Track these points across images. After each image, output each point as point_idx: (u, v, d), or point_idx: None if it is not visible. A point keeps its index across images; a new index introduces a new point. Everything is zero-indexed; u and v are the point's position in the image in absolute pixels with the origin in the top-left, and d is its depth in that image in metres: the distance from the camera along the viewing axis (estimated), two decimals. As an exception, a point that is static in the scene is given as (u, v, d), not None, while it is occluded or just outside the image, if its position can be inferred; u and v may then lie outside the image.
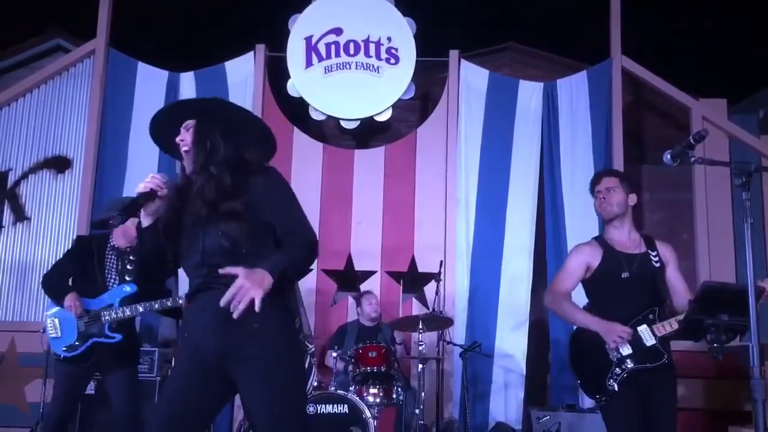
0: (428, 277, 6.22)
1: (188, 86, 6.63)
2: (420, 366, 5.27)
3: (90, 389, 5.34)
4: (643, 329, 3.27)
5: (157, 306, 4.22)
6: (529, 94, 6.58)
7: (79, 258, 4.35)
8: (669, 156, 2.73)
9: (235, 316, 2.31)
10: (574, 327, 3.51)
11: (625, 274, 3.33)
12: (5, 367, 6.05)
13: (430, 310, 5.77)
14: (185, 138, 2.62)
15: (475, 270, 6.30)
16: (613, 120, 6.42)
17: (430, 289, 6.20)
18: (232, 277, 2.34)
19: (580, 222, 6.10)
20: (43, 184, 6.44)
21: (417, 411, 5.16)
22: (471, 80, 6.61)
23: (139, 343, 4.62)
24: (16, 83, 6.75)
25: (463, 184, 6.44)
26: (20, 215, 6.34)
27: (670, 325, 3.26)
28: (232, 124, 2.66)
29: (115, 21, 6.65)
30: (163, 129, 2.70)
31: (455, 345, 5.74)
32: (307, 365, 3.71)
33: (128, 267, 4.20)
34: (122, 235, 4.26)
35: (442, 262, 5.90)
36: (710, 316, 2.97)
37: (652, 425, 3.24)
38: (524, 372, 6.08)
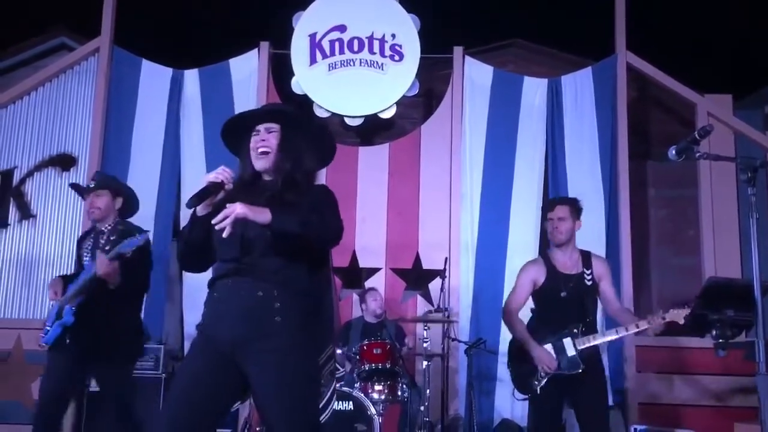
0: (433, 273, 6.21)
1: (192, 84, 6.63)
2: (425, 363, 5.28)
3: (94, 386, 5.39)
4: (567, 341, 3.80)
5: (112, 254, 3.76)
6: (534, 90, 6.56)
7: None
8: (674, 151, 2.74)
9: (217, 227, 2.37)
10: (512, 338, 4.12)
11: (563, 294, 3.85)
12: (11, 364, 6.07)
13: (435, 306, 5.77)
14: (268, 140, 2.68)
15: (479, 266, 6.29)
16: (618, 116, 6.40)
17: (434, 285, 6.19)
18: (262, 271, 2.43)
19: (583, 218, 6.02)
20: (48, 182, 6.45)
21: (422, 408, 5.17)
22: (475, 77, 6.60)
23: (134, 338, 4.08)
24: (21, 82, 6.76)
25: (467, 181, 6.44)
26: (26, 213, 6.36)
27: (588, 341, 3.79)
28: (314, 136, 2.78)
29: (119, 19, 6.65)
30: (231, 128, 2.88)
31: (460, 342, 5.75)
32: (330, 391, 3.52)
33: (105, 247, 3.87)
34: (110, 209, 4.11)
35: (447, 259, 5.89)
36: (715, 311, 3.00)
37: (580, 415, 3.81)
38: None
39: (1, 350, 6.00)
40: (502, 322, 6.02)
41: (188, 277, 6.37)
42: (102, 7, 6.63)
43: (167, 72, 6.64)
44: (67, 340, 3.84)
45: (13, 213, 6.35)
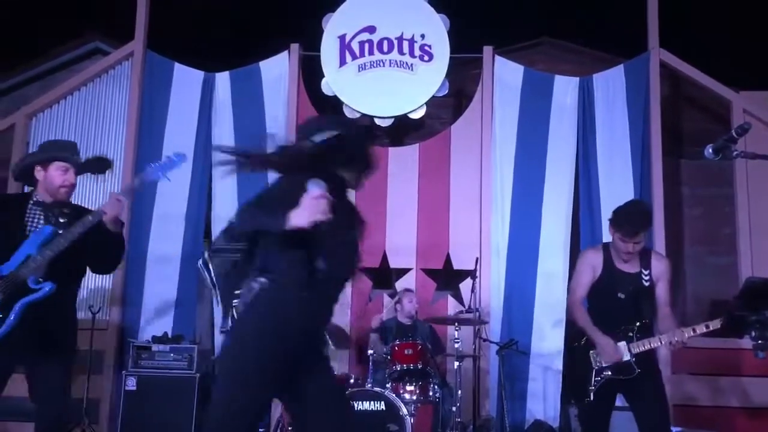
0: (464, 274, 6.20)
1: (223, 86, 6.70)
2: (456, 363, 5.26)
3: (131, 385, 5.49)
4: (621, 345, 3.72)
5: (79, 229, 3.37)
6: (565, 89, 6.51)
7: None
8: (711, 150, 2.69)
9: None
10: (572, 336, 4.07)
11: (621, 295, 3.76)
12: (49, 363, 6.18)
13: (466, 307, 5.76)
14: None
15: (510, 267, 6.26)
16: (651, 114, 6.32)
17: (465, 286, 6.18)
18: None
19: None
20: (85, 185, 6.56)
21: (454, 408, 5.16)
22: (505, 76, 6.57)
23: (71, 328, 3.64)
24: (57, 86, 6.89)
25: (498, 181, 6.41)
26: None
27: (644, 345, 3.70)
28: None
29: (152, 23, 6.75)
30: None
31: (492, 342, 5.73)
32: None
33: (60, 220, 3.46)
34: (46, 189, 3.55)
35: (477, 259, 5.87)
36: (754, 312, 2.94)
37: (639, 410, 3.73)
38: (561, 370, 6.03)
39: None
40: (533, 324, 6.12)
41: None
42: (135, 11, 6.73)
43: (199, 75, 6.72)
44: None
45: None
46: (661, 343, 3.70)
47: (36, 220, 3.49)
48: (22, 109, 6.79)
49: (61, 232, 3.38)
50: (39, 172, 3.55)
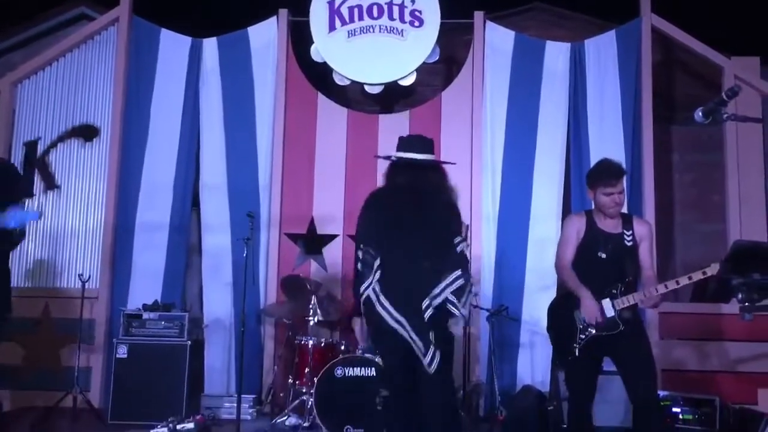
0: (454, 241, 6.19)
1: (211, 52, 6.61)
2: (447, 329, 5.29)
3: (122, 353, 5.50)
4: (606, 302, 3.78)
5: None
6: (556, 55, 6.46)
7: None
8: (701, 113, 2.68)
9: None
10: (552, 300, 4.19)
11: (601, 254, 3.82)
12: (40, 332, 6.20)
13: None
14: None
15: (501, 234, 6.27)
16: (643, 80, 6.30)
17: (456, 253, 6.18)
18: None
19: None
20: (72, 153, 6.51)
21: (444, 374, 5.18)
22: (496, 42, 6.51)
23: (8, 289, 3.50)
24: (42, 53, 6.78)
25: (488, 148, 6.39)
26: (51, 183, 6.42)
27: (627, 300, 3.75)
28: None
29: (138, -12, 6.64)
30: None
31: (482, 309, 5.76)
32: None
33: None
34: None
35: (468, 226, 5.87)
36: (741, 275, 2.94)
37: (626, 371, 3.77)
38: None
39: (30, 318, 6.11)
40: (524, 291, 6.15)
41: (208, 246, 6.43)
42: (121, -24, 6.61)
43: (186, 41, 6.63)
44: None
45: (38, 184, 6.42)
46: (645, 296, 3.75)
47: None
48: (7, 76, 6.70)
49: None
50: None
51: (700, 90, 6.83)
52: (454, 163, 4.21)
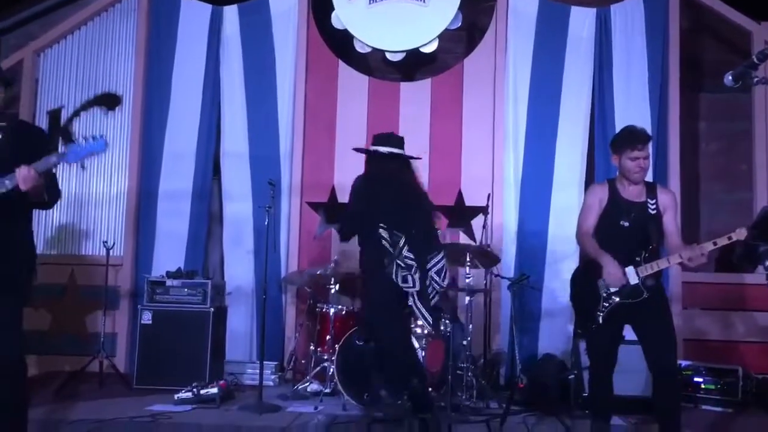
0: (475, 210, 6.18)
1: (231, 20, 6.58)
2: (467, 298, 5.30)
3: (147, 319, 5.58)
4: (629, 270, 3.73)
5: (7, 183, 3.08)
6: (582, 20, 6.34)
7: None
8: (730, 77, 2.63)
9: None
10: (575, 270, 4.11)
11: (624, 222, 3.79)
12: (66, 298, 6.31)
13: (477, 243, 5.75)
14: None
15: (523, 202, 6.24)
16: (670, 46, 6.19)
17: (477, 222, 6.17)
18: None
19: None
20: (95, 121, 6.54)
21: (464, 342, 5.22)
22: (520, 7, 6.40)
23: (23, 259, 3.33)
24: (63, 21, 6.78)
25: (511, 116, 6.32)
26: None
27: (651, 267, 3.71)
28: None
29: (159, -46, 6.59)
30: None
31: (503, 278, 5.74)
32: None
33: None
34: None
35: (490, 195, 5.84)
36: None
37: (647, 340, 3.77)
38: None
39: (57, 284, 6.21)
40: (546, 259, 6.13)
41: (229, 214, 6.47)
42: (141, -58, 6.57)
43: (206, 8, 6.59)
44: None
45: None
46: (669, 263, 3.72)
47: None
48: (29, 45, 6.72)
49: None
50: None
51: (729, 56, 6.66)
52: (420, 158, 4.92)
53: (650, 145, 3.87)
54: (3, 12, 7.49)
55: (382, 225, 4.19)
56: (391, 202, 4.26)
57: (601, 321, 3.78)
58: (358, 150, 4.66)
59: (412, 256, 4.17)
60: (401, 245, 4.16)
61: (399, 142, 4.50)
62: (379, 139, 4.49)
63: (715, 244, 3.57)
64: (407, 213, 4.27)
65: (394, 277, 4.15)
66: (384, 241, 4.17)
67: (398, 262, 4.15)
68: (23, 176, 3.02)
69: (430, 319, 4.28)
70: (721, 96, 6.43)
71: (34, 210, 3.46)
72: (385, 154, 4.38)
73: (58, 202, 3.54)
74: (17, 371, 3.19)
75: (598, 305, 3.80)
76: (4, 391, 3.16)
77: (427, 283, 4.22)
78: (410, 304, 4.22)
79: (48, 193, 3.21)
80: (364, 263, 4.38)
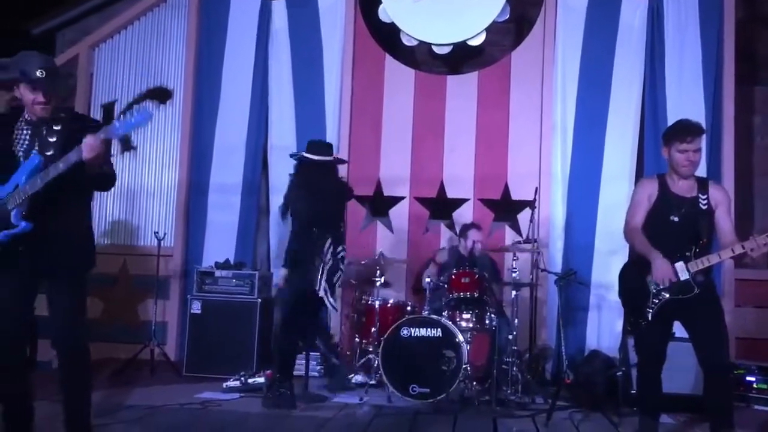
0: (522, 204, 6.14)
1: (280, 13, 6.64)
2: (513, 293, 5.27)
3: (196, 309, 5.69)
4: (679, 265, 3.67)
5: (61, 166, 3.11)
6: (633, 10, 6.22)
7: None
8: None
9: None
10: (623, 265, 4.04)
11: (674, 217, 3.73)
12: (119, 287, 6.47)
13: (524, 237, 5.71)
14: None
15: (571, 197, 6.17)
16: (725, 37, 6.04)
17: (523, 216, 6.12)
18: None
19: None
20: (147, 114, 6.67)
21: (510, 337, 5.19)
22: (570, -1, 6.32)
23: (92, 242, 3.44)
24: (117, 16, 6.94)
25: (559, 109, 6.25)
26: (127, 145, 6.63)
27: (702, 263, 3.64)
28: None
29: (209, -50, 6.69)
30: None
31: (550, 273, 5.69)
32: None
33: (49, 140, 3.23)
34: (27, 108, 3.28)
35: (537, 189, 5.79)
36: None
37: (698, 336, 3.71)
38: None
39: (109, 274, 6.38)
40: (594, 254, 6.05)
41: (275, 207, 6.54)
42: (192, -62, 6.67)
43: (255, 2, 6.66)
44: (20, 250, 3.17)
45: (115, 145, 6.63)
46: (720, 258, 3.64)
47: (23, 140, 3.27)
48: (84, 40, 6.90)
49: (48, 158, 3.17)
50: (16, 91, 3.30)
51: (786, 48, 6.49)
52: (345, 161, 5.59)
53: (702, 139, 3.78)
54: (58, 8, 7.72)
55: (313, 226, 4.76)
56: (319, 205, 4.75)
57: (650, 318, 3.73)
58: (292, 155, 5.11)
59: (339, 249, 4.84)
60: (327, 244, 4.76)
61: (328, 148, 5.02)
62: (310, 146, 4.96)
63: None
64: (333, 213, 4.92)
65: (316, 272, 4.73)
66: (312, 241, 4.74)
67: (321, 257, 4.73)
68: (89, 144, 3.05)
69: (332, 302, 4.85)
70: (778, 89, 6.27)
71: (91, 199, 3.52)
72: (315, 161, 4.85)
73: (112, 191, 3.58)
74: (84, 354, 3.29)
75: (647, 302, 3.75)
76: (73, 373, 3.27)
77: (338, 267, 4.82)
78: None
79: (105, 171, 3.26)
80: (291, 253, 4.86)
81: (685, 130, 3.74)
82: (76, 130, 3.21)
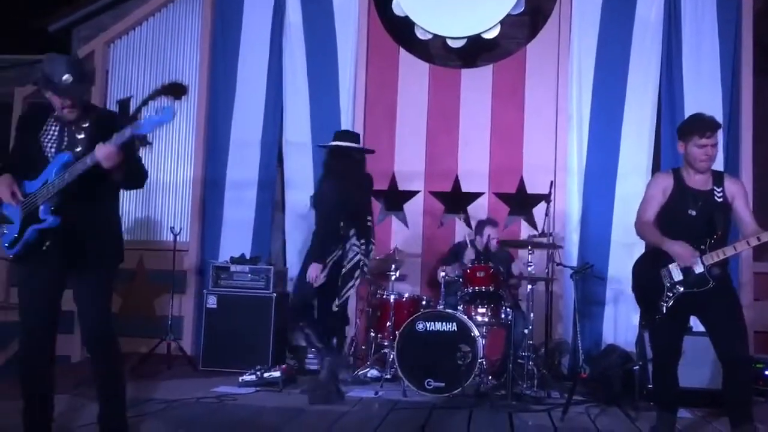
0: (537, 198, 6.10)
1: (294, 8, 6.64)
2: (529, 287, 5.25)
3: (212, 303, 5.72)
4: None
5: (89, 161, 3.10)
6: (649, 3, 6.16)
7: (20, 137, 3.39)
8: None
9: None
10: (636, 259, 3.99)
11: (691, 212, 3.69)
12: (136, 282, 6.52)
13: (539, 231, 5.68)
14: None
15: (587, 191, 6.13)
16: (743, 29, 5.98)
17: (538, 210, 6.09)
18: None
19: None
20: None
21: (526, 331, 5.17)
22: (585, -10, 6.26)
23: (120, 237, 3.46)
24: (132, 12, 6.97)
25: (575, 102, 6.21)
26: (143, 141, 6.64)
27: (717, 255, 3.60)
28: None
29: (223, -53, 6.70)
30: None
31: (565, 267, 5.66)
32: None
33: (77, 137, 3.24)
34: (62, 104, 3.23)
35: (552, 182, 5.74)
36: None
37: (715, 330, 3.66)
38: (638, 294, 5.93)
39: (127, 269, 6.40)
40: (611, 248, 6.01)
41: (291, 202, 6.56)
42: (206, -66, 6.68)
43: (270, -1, 6.67)
44: (46, 246, 3.17)
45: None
46: (735, 250, 3.59)
47: (52, 137, 3.27)
48: (100, 36, 6.95)
49: (77, 154, 3.16)
50: (44, 92, 3.27)
51: (805, 38, 6.39)
52: (373, 151, 5.22)
53: (719, 134, 3.76)
54: (73, 5, 7.77)
55: (341, 218, 4.72)
56: (349, 196, 4.72)
57: (665, 311, 3.69)
58: (320, 146, 5.16)
59: (358, 243, 4.75)
60: (351, 235, 4.74)
61: (356, 138, 4.99)
62: (338, 135, 4.96)
63: None
64: (358, 204, 4.83)
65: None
66: (340, 233, 4.72)
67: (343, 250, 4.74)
68: (103, 154, 3.05)
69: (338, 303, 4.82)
70: (797, 80, 6.18)
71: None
72: (343, 149, 4.83)
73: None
74: (115, 347, 3.30)
75: (661, 296, 3.71)
76: (105, 367, 3.28)
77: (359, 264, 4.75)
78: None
79: (129, 168, 3.26)
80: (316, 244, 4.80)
81: (703, 124, 3.70)
82: (105, 128, 3.22)
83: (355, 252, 4.77)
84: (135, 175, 3.37)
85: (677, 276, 3.67)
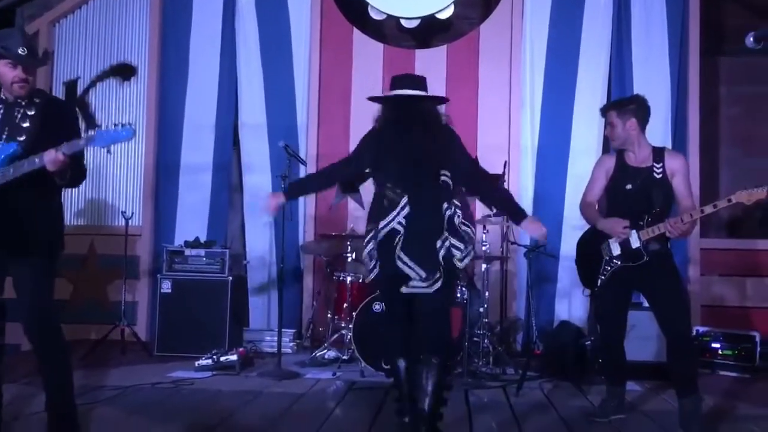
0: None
1: (246, -13, 6.53)
2: (484, 266, 5.31)
3: (166, 288, 5.65)
4: (632, 234, 3.77)
5: (37, 162, 3.05)
6: (600, -16, 6.23)
7: None
8: (752, 38, 2.61)
9: None
10: (581, 235, 4.15)
11: (628, 186, 3.82)
12: (87, 268, 6.40)
13: (494, 211, 5.73)
14: None
15: (540, 170, 6.21)
16: (690, 9, 6.09)
17: (493, 190, 6.14)
18: None
19: (650, 121, 5.87)
20: (110, 92, 6.55)
21: (481, 309, 5.24)
22: (537, -29, 6.30)
23: (61, 226, 3.38)
24: (79, -10, 6.78)
25: (527, 82, 6.26)
26: (91, 123, 6.48)
27: (652, 231, 3.70)
28: None
29: None
30: None
31: (519, 245, 5.74)
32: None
33: (22, 125, 3.17)
34: (3, 86, 3.20)
35: (506, 162, 5.81)
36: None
37: (658, 306, 3.79)
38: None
39: (77, 255, 6.29)
40: (563, 227, 6.11)
41: (248, 184, 6.50)
42: None
43: (221, -22, 6.54)
44: None
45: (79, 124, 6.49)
46: (669, 227, 3.65)
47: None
48: (44, 15, 6.72)
49: (20, 143, 3.11)
50: None
51: (751, 19, 6.53)
52: (447, 99, 3.86)
53: (612, 114, 3.89)
54: (18, -17, 7.50)
55: (388, 182, 3.42)
56: (396, 155, 3.44)
57: (602, 283, 3.85)
58: (372, 99, 3.77)
59: (404, 223, 3.30)
60: (402, 206, 3.32)
61: (413, 82, 3.69)
62: (393, 82, 3.72)
63: (715, 206, 3.53)
64: (411, 169, 3.40)
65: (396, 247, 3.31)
66: (386, 200, 3.38)
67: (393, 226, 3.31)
68: (51, 159, 3.02)
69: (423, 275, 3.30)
70: (743, 60, 6.32)
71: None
72: (400, 99, 3.61)
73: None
74: (57, 335, 3.21)
75: (599, 269, 3.88)
76: (49, 356, 3.20)
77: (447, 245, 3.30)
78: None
79: (73, 173, 3.21)
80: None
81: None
82: (52, 117, 3.17)
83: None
84: (75, 179, 3.32)
85: (615, 250, 3.82)
